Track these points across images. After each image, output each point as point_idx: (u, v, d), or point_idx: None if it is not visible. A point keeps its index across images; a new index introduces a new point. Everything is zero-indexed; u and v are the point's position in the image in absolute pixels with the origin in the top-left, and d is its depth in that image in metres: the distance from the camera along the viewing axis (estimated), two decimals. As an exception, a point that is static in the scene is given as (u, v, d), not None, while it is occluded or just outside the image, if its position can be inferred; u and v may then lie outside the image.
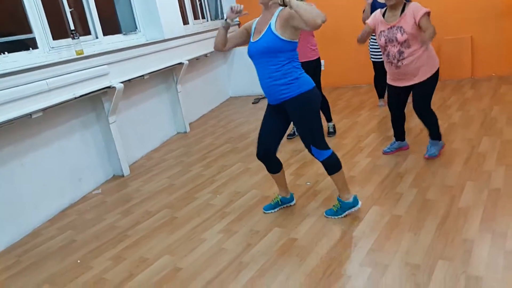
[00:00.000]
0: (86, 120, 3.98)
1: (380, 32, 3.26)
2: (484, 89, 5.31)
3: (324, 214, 2.83)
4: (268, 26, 2.49)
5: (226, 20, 2.67)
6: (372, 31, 3.34)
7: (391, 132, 3.77)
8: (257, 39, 2.53)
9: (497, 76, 5.80)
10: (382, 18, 3.26)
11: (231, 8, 2.63)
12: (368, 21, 3.36)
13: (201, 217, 3.08)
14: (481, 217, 2.53)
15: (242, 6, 2.61)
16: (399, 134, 3.68)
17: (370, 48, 5.11)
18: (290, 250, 2.50)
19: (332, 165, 2.70)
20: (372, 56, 5.09)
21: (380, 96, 5.34)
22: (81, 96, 3.62)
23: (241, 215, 3.02)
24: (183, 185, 3.74)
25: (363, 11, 4.74)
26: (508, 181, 2.90)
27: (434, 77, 3.28)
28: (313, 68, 4.20)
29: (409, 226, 2.56)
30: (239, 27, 6.88)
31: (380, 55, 4.93)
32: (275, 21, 2.47)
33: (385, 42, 3.23)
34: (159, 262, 2.59)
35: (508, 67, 5.73)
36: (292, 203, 3.06)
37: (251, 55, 2.61)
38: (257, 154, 2.83)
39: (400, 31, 3.13)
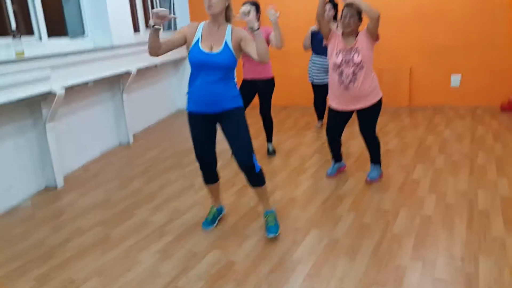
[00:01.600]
0: (22, 126, 3.74)
1: (339, 50, 3.33)
2: (420, 118, 5.63)
3: (268, 235, 2.81)
4: (224, 42, 2.56)
5: (154, 26, 2.45)
6: (325, 32, 3.39)
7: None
8: (215, 52, 2.55)
9: (432, 106, 6.18)
10: (341, 37, 3.35)
11: (156, 14, 2.42)
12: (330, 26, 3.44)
13: (137, 236, 2.97)
14: (413, 244, 2.64)
15: (167, 10, 2.45)
16: (338, 155, 3.82)
17: (310, 69, 5.24)
18: (228, 274, 2.46)
19: (263, 176, 2.84)
20: (314, 79, 5.22)
21: (319, 117, 5.53)
22: (17, 100, 3.40)
23: (180, 235, 2.95)
24: (121, 200, 3.60)
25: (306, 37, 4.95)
26: (438, 209, 3.07)
27: (379, 104, 3.45)
28: (271, 86, 4.30)
29: (346, 250, 2.62)
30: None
31: (321, 78, 5.12)
32: (230, 39, 2.56)
33: (341, 62, 3.32)
34: (88, 284, 2.44)
35: (442, 99, 6.14)
36: (224, 213, 3.17)
37: (200, 64, 2.58)
38: (201, 166, 2.88)
39: (357, 52, 3.27)
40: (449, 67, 6.00)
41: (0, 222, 3.34)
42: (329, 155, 4.27)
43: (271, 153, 4.55)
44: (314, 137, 5.09)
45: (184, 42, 2.64)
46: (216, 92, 2.62)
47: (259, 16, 4.08)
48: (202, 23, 2.65)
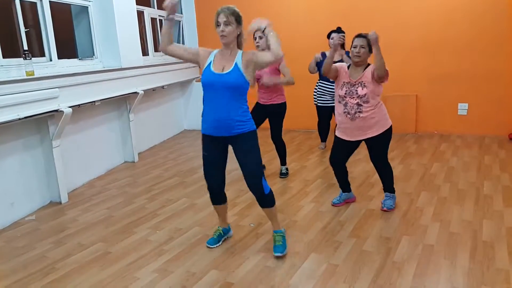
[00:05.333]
0: (29, 142, 3.80)
1: (343, 83, 3.36)
2: (426, 145, 5.61)
3: (275, 254, 2.83)
4: (234, 64, 2.64)
5: (168, 16, 2.65)
6: (333, 76, 3.43)
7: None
8: (224, 72, 2.63)
9: (438, 133, 6.16)
10: (347, 70, 3.38)
11: (166, 6, 2.60)
12: (336, 65, 3.43)
13: (136, 254, 2.97)
14: (414, 272, 2.60)
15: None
16: (344, 185, 3.75)
17: (316, 92, 5.34)
18: (225, 295, 2.44)
19: (273, 197, 2.89)
20: (318, 101, 5.32)
21: (323, 140, 5.57)
22: (25, 117, 3.47)
23: (179, 254, 2.94)
24: (123, 218, 3.61)
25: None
26: (441, 238, 3.02)
27: (388, 133, 3.43)
28: (283, 109, 4.35)
29: (345, 277, 2.58)
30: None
31: (325, 100, 5.24)
32: (240, 61, 2.64)
33: (345, 94, 3.34)
34: (86, 299, 2.45)
35: (449, 127, 6.12)
36: (230, 234, 3.18)
37: (210, 83, 2.66)
38: (209, 187, 2.92)
39: (361, 85, 3.27)
40: (456, 96, 6.00)
41: (5, 235, 3.38)
42: (332, 180, 4.27)
43: (284, 174, 4.56)
44: (317, 162, 5.08)
45: (195, 57, 2.75)
46: (227, 114, 2.64)
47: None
48: (215, 51, 2.75)
